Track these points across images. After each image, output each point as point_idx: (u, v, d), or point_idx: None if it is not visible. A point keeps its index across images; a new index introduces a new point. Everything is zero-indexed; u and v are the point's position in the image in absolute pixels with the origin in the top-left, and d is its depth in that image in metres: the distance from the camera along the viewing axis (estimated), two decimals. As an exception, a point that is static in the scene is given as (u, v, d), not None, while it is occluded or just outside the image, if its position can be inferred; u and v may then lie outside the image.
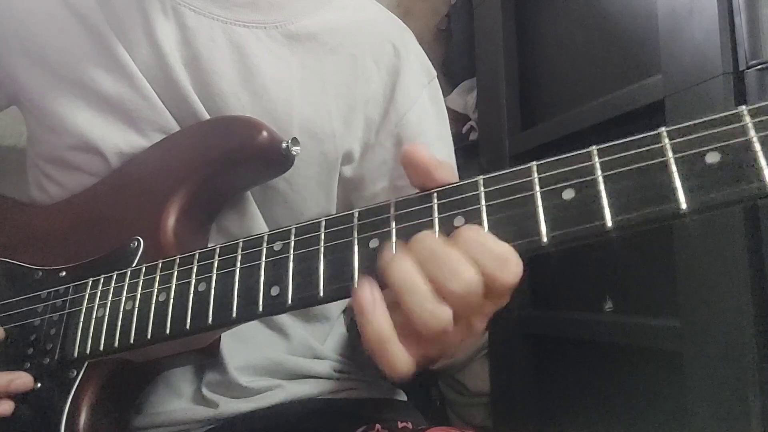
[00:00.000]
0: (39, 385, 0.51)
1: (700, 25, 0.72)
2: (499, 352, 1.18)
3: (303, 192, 0.61)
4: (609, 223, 0.33)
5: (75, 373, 0.50)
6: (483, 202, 0.37)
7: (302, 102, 0.60)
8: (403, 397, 0.70)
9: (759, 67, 0.67)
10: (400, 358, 0.36)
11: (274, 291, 0.42)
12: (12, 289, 0.57)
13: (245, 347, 0.60)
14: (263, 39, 0.60)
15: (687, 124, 0.33)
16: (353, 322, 0.73)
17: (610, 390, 0.91)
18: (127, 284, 0.49)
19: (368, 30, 0.64)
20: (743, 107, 0.32)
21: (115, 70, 0.58)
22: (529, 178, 0.36)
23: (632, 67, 0.87)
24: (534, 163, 0.37)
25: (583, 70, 1.01)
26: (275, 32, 0.60)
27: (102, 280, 0.51)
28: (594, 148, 0.35)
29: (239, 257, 0.44)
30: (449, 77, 1.44)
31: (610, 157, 0.35)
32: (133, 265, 0.51)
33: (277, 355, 0.62)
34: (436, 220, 0.38)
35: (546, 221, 0.35)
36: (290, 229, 0.43)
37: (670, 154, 0.33)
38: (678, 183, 0.32)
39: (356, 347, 0.70)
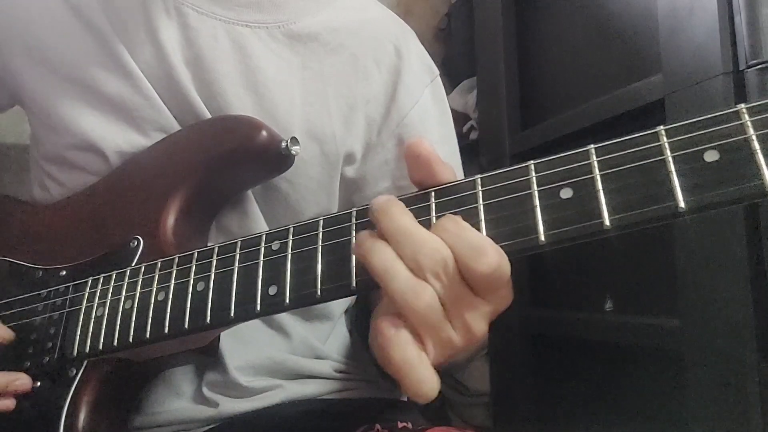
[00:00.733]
0: (39, 383, 0.51)
1: (700, 25, 0.72)
2: (499, 352, 1.17)
3: (304, 192, 0.61)
4: (607, 222, 0.33)
5: (74, 371, 0.50)
6: (480, 200, 0.37)
7: (303, 102, 0.60)
8: (404, 397, 0.70)
9: (759, 66, 0.67)
10: (429, 380, 0.36)
11: (272, 290, 0.42)
12: (12, 288, 0.58)
13: (246, 347, 0.60)
14: (265, 39, 0.60)
15: (685, 122, 0.33)
16: (356, 323, 0.73)
17: (610, 390, 0.91)
18: (126, 283, 0.50)
19: (369, 30, 0.64)
20: (742, 105, 0.32)
21: (116, 70, 0.58)
22: (526, 177, 0.36)
23: (632, 66, 0.87)
24: (531, 162, 0.37)
25: (583, 70, 1.00)
26: (277, 32, 0.60)
27: (101, 279, 0.51)
28: (592, 147, 0.35)
29: (237, 257, 0.44)
30: (449, 76, 1.43)
31: (608, 156, 0.34)
32: (133, 264, 0.52)
33: (278, 355, 0.62)
34: (434, 219, 0.38)
35: (544, 220, 0.35)
36: (288, 229, 0.43)
37: (668, 152, 0.33)
38: (676, 182, 0.32)
39: (360, 350, 0.70)
